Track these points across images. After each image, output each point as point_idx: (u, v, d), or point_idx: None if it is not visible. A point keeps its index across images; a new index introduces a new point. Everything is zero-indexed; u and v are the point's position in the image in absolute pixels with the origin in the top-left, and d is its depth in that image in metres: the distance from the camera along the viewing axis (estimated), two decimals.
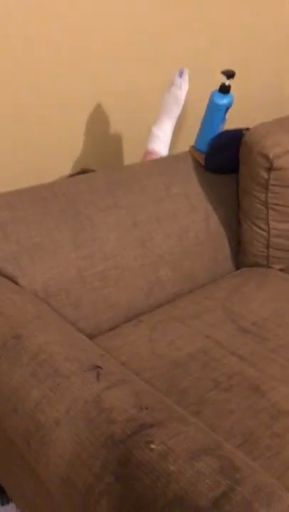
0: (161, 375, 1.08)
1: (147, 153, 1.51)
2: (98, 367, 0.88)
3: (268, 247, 1.50)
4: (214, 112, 1.46)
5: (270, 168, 1.40)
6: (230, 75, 1.40)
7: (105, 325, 1.27)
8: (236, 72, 1.43)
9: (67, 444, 0.77)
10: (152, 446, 0.73)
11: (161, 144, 1.49)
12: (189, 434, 0.76)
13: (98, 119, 1.55)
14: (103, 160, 1.60)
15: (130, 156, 1.65)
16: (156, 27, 1.57)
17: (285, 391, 1.06)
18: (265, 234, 1.49)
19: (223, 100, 1.44)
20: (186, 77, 1.44)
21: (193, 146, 1.54)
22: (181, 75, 1.43)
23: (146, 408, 0.78)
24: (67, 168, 1.54)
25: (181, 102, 1.46)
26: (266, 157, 1.39)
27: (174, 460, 0.71)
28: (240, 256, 1.55)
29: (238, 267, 1.55)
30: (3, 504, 1.28)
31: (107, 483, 0.71)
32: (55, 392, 0.83)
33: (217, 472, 0.70)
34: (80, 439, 0.76)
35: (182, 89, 1.44)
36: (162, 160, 1.49)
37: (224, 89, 1.42)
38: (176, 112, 1.48)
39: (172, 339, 1.20)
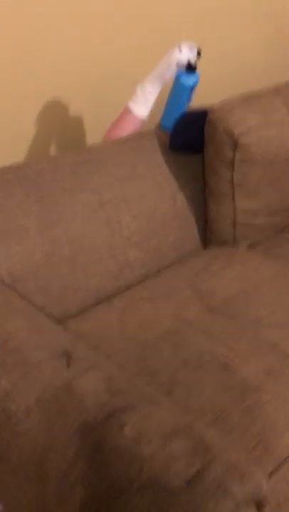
0: (132, 357, 1.09)
1: (125, 111, 1.45)
2: (68, 353, 0.87)
3: (234, 225, 1.51)
4: (179, 90, 1.44)
5: (235, 146, 1.40)
6: (197, 52, 1.37)
7: (74, 309, 1.26)
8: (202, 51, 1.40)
9: (39, 432, 0.77)
10: (125, 430, 0.73)
11: (141, 105, 1.42)
12: (161, 415, 0.77)
13: (59, 102, 1.51)
14: (66, 142, 1.56)
15: (93, 138, 1.62)
16: (121, 6, 1.52)
17: (253, 367, 1.08)
18: (231, 212, 1.49)
19: (189, 79, 1.41)
20: (188, 50, 1.36)
21: (158, 125, 1.52)
22: (182, 49, 1.36)
23: (118, 392, 0.79)
24: (29, 152, 1.50)
25: (173, 67, 1.38)
26: (231, 134, 1.39)
27: (147, 443, 0.72)
28: (208, 234, 1.56)
29: (205, 246, 1.56)
30: None
31: (81, 469, 0.71)
32: (24, 381, 0.82)
33: (189, 453, 0.71)
34: (52, 427, 0.76)
35: (180, 55, 1.36)
36: (127, 139, 1.47)
37: (190, 68, 1.39)
38: (165, 75, 1.40)
39: (142, 320, 1.20)
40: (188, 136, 1.47)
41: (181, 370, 1.06)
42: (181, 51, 1.37)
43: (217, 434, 0.78)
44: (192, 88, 1.44)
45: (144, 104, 1.44)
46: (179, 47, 1.37)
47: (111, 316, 1.22)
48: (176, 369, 1.06)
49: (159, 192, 1.44)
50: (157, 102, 1.52)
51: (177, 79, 1.42)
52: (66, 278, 1.25)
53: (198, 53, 1.37)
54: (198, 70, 1.41)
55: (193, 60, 1.38)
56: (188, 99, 1.47)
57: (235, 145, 1.40)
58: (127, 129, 1.46)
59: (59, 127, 1.53)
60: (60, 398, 0.78)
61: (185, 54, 1.37)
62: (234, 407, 0.99)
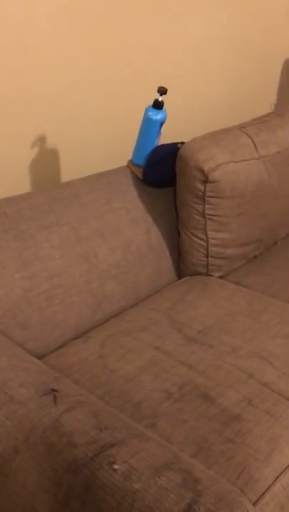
0: (114, 391, 1.10)
1: None
2: (54, 390, 0.88)
3: (207, 255, 1.56)
4: (149, 127, 1.50)
5: (205, 181, 1.46)
6: (163, 91, 1.44)
7: (54, 344, 1.26)
8: (169, 89, 1.47)
9: (28, 472, 0.77)
10: (115, 466, 0.74)
11: None
12: (150, 450, 0.79)
13: (35, 139, 1.54)
14: (41, 179, 1.59)
15: (68, 174, 1.65)
16: (95, 42, 1.58)
17: (233, 396, 1.10)
18: (203, 243, 1.54)
19: (157, 115, 1.47)
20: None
21: (130, 161, 1.57)
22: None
23: (106, 428, 0.80)
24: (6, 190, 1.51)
25: None
26: (201, 171, 1.44)
27: (138, 478, 0.73)
28: (182, 266, 1.60)
29: (180, 277, 1.60)
30: None
31: (73, 508, 0.71)
32: (12, 420, 0.82)
33: (180, 486, 0.73)
34: (42, 467, 0.76)
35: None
36: (101, 175, 1.50)
37: (158, 105, 1.46)
38: None
39: (122, 353, 1.22)
40: (161, 170, 1.52)
41: (163, 401, 1.07)
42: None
43: (203, 467, 0.80)
44: (161, 124, 1.50)
45: None
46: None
47: (90, 350, 1.23)
48: (159, 401, 1.07)
49: (134, 225, 1.47)
50: (130, 138, 1.57)
51: (146, 115, 1.48)
52: (45, 314, 1.26)
53: (164, 92, 1.44)
54: (167, 108, 1.47)
55: (160, 98, 1.45)
56: (158, 134, 1.53)
57: (205, 180, 1.45)
58: None
59: (35, 164, 1.56)
60: (49, 436, 0.78)
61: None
62: (216, 437, 1.01)
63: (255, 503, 0.90)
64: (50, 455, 0.77)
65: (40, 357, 1.22)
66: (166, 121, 1.51)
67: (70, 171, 1.63)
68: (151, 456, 0.77)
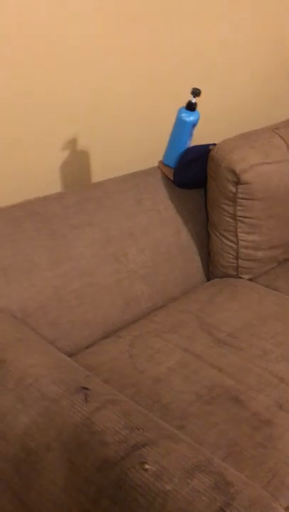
0: (143, 391, 1.10)
1: None
2: (85, 388, 0.88)
3: (237, 258, 1.54)
4: (181, 128, 1.49)
5: (237, 183, 1.44)
6: (196, 93, 1.43)
7: (83, 342, 1.27)
8: (203, 91, 1.46)
9: (59, 469, 0.77)
10: (146, 466, 0.74)
11: None
12: (181, 451, 0.78)
13: (66, 141, 1.55)
14: (72, 180, 1.60)
15: (99, 175, 1.66)
16: (125, 45, 1.59)
17: (264, 400, 1.09)
18: (234, 245, 1.53)
19: (190, 117, 1.47)
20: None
21: (161, 161, 1.56)
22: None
23: (137, 428, 0.79)
24: (44, 190, 1.53)
25: None
26: (233, 172, 1.43)
27: (169, 479, 0.72)
28: (211, 267, 1.59)
29: (209, 278, 1.58)
30: None
31: (104, 507, 0.71)
32: (44, 417, 0.82)
33: (212, 488, 0.72)
34: (74, 464, 0.76)
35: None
36: (132, 175, 1.50)
37: (190, 107, 1.45)
38: None
39: (151, 354, 1.22)
40: (192, 171, 1.51)
41: (193, 403, 1.06)
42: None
43: (235, 470, 0.79)
44: (193, 125, 1.50)
45: None
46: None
47: (120, 350, 1.23)
48: (189, 403, 1.07)
49: (163, 226, 1.47)
50: (160, 139, 1.57)
51: (179, 116, 1.48)
52: (75, 312, 1.27)
53: (198, 94, 1.43)
54: (198, 109, 1.46)
55: (193, 100, 1.44)
56: (190, 136, 1.52)
57: (237, 182, 1.44)
58: None
59: (67, 165, 1.57)
60: (80, 434, 0.78)
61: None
62: (247, 441, 0.99)
63: (287, 509, 0.88)
64: (82, 453, 0.77)
65: (70, 355, 1.23)
66: (199, 122, 1.50)
67: (101, 171, 1.64)
68: (183, 458, 0.76)
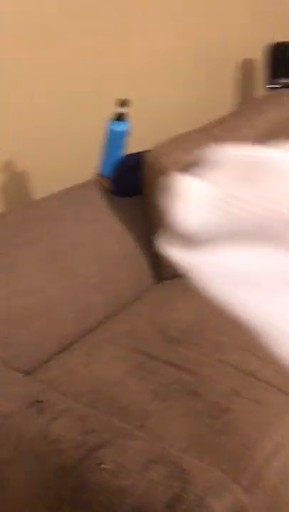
0: (101, 397, 1.11)
1: None
2: (39, 401, 0.89)
3: None
4: (113, 139, 1.53)
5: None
6: (125, 103, 1.47)
7: (40, 359, 1.27)
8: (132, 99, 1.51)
9: (20, 482, 0.78)
10: (103, 466, 0.75)
11: None
12: (137, 447, 0.80)
13: (1, 162, 1.56)
14: (11, 199, 1.61)
15: (38, 192, 1.67)
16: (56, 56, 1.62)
17: (220, 389, 1.12)
18: None
19: (121, 127, 1.51)
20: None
21: (97, 173, 1.59)
22: None
23: (93, 431, 0.81)
24: None
25: None
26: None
27: (127, 475, 0.74)
28: (160, 269, 1.62)
29: (160, 281, 1.62)
30: None
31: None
32: None
33: (167, 478, 0.74)
34: (33, 475, 0.77)
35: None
36: (70, 190, 1.53)
37: (120, 117, 1.49)
38: None
39: (107, 360, 1.23)
40: (129, 179, 1.55)
41: (151, 402, 1.09)
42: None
43: (193, 458, 0.82)
44: (124, 135, 1.53)
45: None
46: None
47: (76, 361, 1.24)
48: (147, 402, 1.09)
49: (107, 235, 1.50)
50: (94, 152, 1.60)
51: (109, 128, 1.52)
52: (27, 330, 1.27)
53: (126, 104, 1.47)
54: (128, 119, 1.51)
55: (121, 110, 1.48)
56: (123, 145, 1.56)
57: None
58: None
59: (4, 185, 1.58)
60: (36, 445, 0.79)
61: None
62: (206, 430, 1.02)
63: (247, 489, 0.91)
64: (39, 463, 0.78)
65: (27, 373, 1.23)
66: (131, 131, 1.54)
67: (40, 188, 1.66)
68: (139, 453, 0.78)
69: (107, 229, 1.50)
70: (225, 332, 1.31)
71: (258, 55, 2.41)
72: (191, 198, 0.39)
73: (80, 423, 0.84)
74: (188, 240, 0.42)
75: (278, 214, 0.43)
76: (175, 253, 0.44)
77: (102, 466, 0.75)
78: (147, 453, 0.79)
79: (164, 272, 1.61)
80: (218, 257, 0.42)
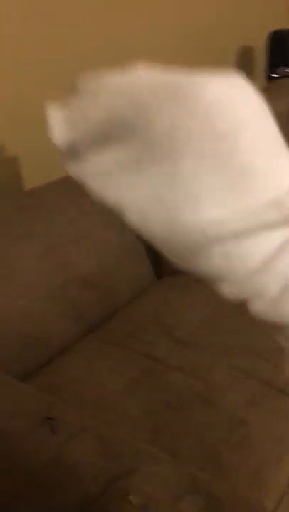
0: (110, 406, 1.03)
1: None
2: (50, 417, 0.80)
3: None
4: None
5: None
6: None
7: (37, 362, 1.17)
8: None
9: None
10: (130, 498, 0.67)
11: None
12: (163, 474, 0.72)
13: None
14: (3, 188, 1.49)
15: (30, 181, 1.55)
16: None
17: (234, 398, 1.06)
18: None
19: None
20: None
21: None
22: None
23: (115, 456, 0.73)
24: None
25: None
26: None
27: (157, 508, 0.66)
28: (160, 266, 1.54)
29: (160, 277, 1.53)
30: None
31: None
32: (7, 460, 0.74)
33: (202, 510, 0.67)
34: (50, 507, 0.68)
35: None
36: (68, 178, 1.42)
37: None
38: None
39: (111, 365, 1.15)
40: None
41: (163, 414, 1.01)
42: None
43: (212, 477, 0.75)
44: None
45: None
46: None
47: (79, 366, 1.15)
48: (158, 413, 1.01)
49: (107, 228, 1.40)
50: None
51: None
52: (23, 331, 1.17)
53: None
54: None
55: None
56: None
57: None
58: None
59: None
60: (52, 473, 0.71)
61: None
62: (223, 445, 0.95)
63: (274, 510, 0.85)
64: (57, 493, 0.69)
65: (23, 378, 1.13)
66: None
67: (33, 177, 1.54)
68: (167, 481, 0.71)
69: (107, 222, 1.40)
70: (233, 335, 1.24)
71: (258, 42, 2.32)
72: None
73: (98, 444, 0.75)
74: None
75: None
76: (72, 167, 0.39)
77: (129, 497, 0.67)
78: (175, 480, 0.71)
79: (164, 267, 1.53)
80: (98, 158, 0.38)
